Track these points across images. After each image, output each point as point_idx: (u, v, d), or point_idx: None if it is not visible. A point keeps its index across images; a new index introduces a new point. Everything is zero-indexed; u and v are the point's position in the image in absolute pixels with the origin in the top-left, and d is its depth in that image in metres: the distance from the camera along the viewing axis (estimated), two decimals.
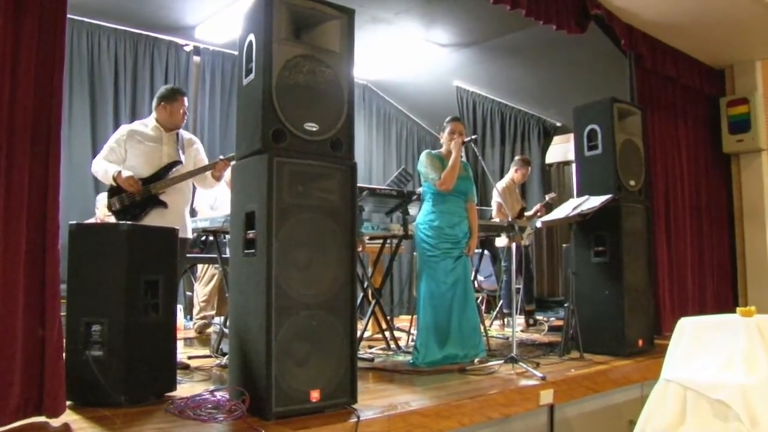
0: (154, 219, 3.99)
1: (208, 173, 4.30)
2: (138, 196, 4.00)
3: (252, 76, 2.99)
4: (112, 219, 6.00)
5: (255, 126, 2.91)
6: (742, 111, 7.00)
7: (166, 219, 3.98)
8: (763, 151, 7.03)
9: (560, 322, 6.78)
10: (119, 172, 3.95)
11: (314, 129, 2.98)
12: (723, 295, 6.98)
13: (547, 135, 9.04)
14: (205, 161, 4.45)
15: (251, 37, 3.02)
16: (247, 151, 3.00)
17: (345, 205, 3.06)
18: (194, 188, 4.61)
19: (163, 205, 4.07)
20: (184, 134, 4.40)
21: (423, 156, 4.52)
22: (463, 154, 4.59)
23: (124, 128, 4.27)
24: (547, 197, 7.07)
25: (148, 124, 4.26)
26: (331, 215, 3.01)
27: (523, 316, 6.68)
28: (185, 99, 4.33)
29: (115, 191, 4.02)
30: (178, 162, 4.19)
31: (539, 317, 7.27)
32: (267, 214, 2.79)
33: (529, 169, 7.10)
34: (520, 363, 4.02)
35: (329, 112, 3.05)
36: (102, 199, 6.26)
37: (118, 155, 4.11)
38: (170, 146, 4.22)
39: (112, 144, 4.15)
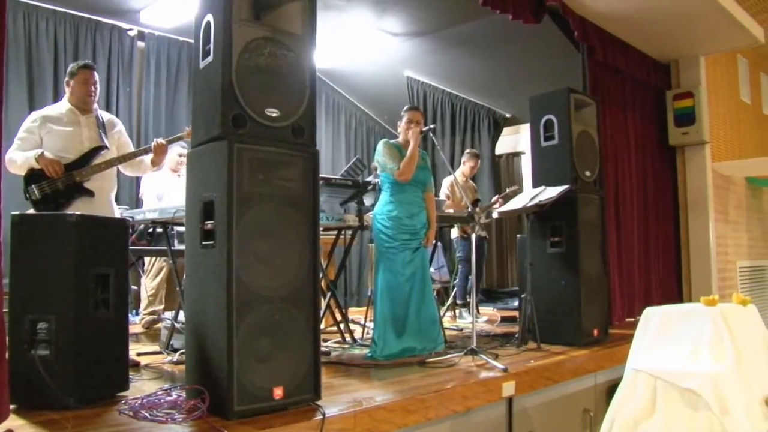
0: (78, 208, 3.67)
1: (144, 158, 4.08)
2: (60, 184, 3.71)
3: (210, 58, 2.84)
4: None
5: (214, 111, 2.77)
6: (687, 104, 7.15)
7: (93, 208, 3.71)
8: (707, 144, 7.21)
9: (509, 313, 6.85)
10: (42, 153, 3.67)
11: (275, 114, 2.86)
12: (668, 284, 7.14)
13: (497, 126, 9.11)
14: (129, 144, 4.21)
15: (209, 17, 2.87)
16: (205, 138, 2.86)
17: (307, 194, 2.95)
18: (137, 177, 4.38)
19: (89, 193, 3.81)
20: (104, 115, 4.11)
21: (381, 145, 4.43)
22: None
23: (34, 114, 3.92)
24: (507, 189, 7.13)
25: (61, 107, 3.94)
26: (293, 204, 2.89)
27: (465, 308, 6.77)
28: (91, 73, 3.98)
29: (33, 179, 3.70)
30: (102, 147, 3.91)
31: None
32: (227, 203, 2.66)
33: (478, 161, 7.19)
34: (481, 355, 3.99)
35: (291, 97, 2.93)
36: None
37: (33, 144, 3.78)
38: (90, 129, 3.92)
39: (22, 134, 3.81)
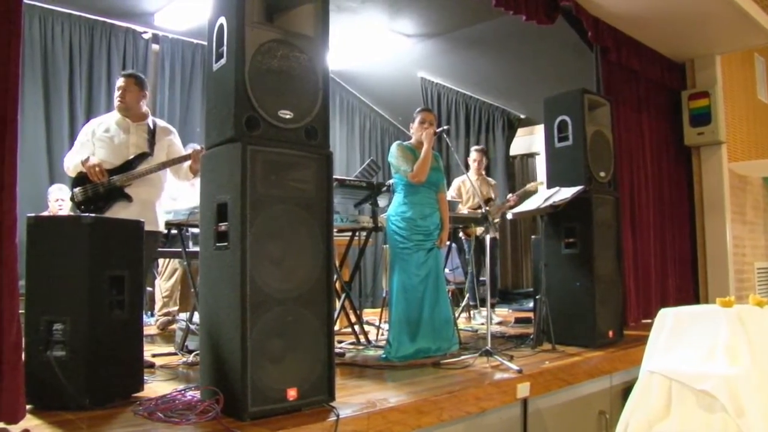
0: (117, 212, 3.82)
1: (184, 165, 4.13)
2: (101, 188, 3.85)
3: (223, 60, 2.85)
4: (64, 212, 5.80)
5: (227, 113, 2.78)
6: (702, 104, 7.09)
7: (131, 212, 3.81)
8: (723, 144, 7.15)
9: (524, 314, 6.82)
10: (87, 158, 3.84)
11: (288, 116, 2.86)
12: (684, 286, 7.08)
13: (511, 127, 9.07)
14: (182, 151, 4.27)
15: (222, 19, 2.88)
16: (218, 140, 2.86)
17: (320, 196, 2.95)
18: None
19: (127, 198, 3.90)
20: (159, 123, 4.22)
21: (394, 147, 4.44)
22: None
23: (93, 121, 4.16)
24: (527, 185, 7.02)
25: (114, 115, 4.11)
26: (306, 206, 2.89)
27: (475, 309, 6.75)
28: (121, 78, 4.13)
29: (79, 181, 3.88)
30: (146, 154, 4.02)
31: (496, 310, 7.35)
32: (240, 205, 2.66)
33: (483, 156, 6.97)
34: (495, 356, 3.97)
35: (304, 99, 2.93)
36: (54, 191, 6.04)
37: (88, 149, 3.98)
38: (138, 137, 4.04)
39: (82, 139, 4.05)
